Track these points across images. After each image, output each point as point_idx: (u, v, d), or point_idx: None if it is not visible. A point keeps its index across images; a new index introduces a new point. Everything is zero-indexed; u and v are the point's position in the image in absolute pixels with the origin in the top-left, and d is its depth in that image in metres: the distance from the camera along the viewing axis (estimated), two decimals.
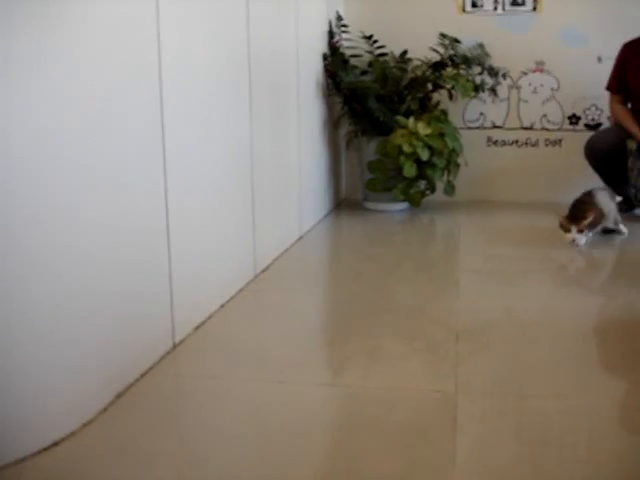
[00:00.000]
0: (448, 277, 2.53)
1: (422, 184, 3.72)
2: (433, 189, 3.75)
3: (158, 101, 1.67)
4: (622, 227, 3.11)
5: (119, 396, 1.48)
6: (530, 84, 4.09)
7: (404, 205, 3.84)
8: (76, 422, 1.35)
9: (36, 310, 1.26)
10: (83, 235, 1.37)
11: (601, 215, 2.95)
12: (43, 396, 1.29)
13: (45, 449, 1.27)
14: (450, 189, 3.79)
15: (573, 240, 2.82)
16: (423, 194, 3.75)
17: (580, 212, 2.87)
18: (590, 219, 2.84)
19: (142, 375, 1.59)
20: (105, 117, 1.44)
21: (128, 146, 1.54)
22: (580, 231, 2.82)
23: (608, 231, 3.08)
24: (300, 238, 3.11)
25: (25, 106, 1.21)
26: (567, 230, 2.84)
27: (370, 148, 3.73)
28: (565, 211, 2.87)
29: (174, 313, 1.76)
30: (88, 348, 1.40)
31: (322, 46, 3.67)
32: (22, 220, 1.22)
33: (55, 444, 1.29)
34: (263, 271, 2.51)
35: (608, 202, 3.01)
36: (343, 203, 4.19)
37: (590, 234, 2.87)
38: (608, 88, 3.76)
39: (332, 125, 3.87)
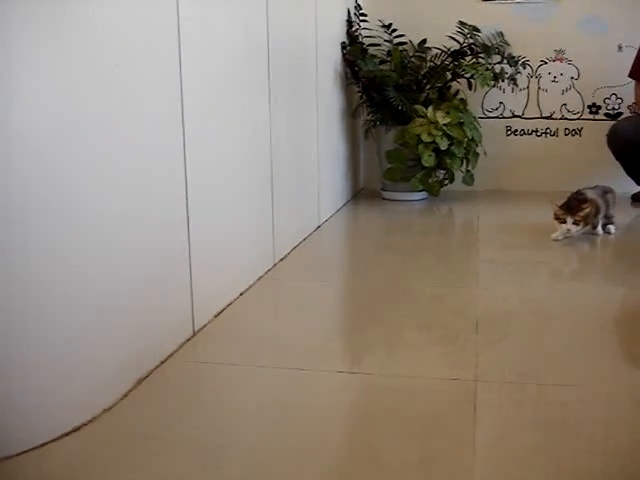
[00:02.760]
0: (467, 267, 2.52)
1: (441, 173, 3.72)
2: (452, 179, 3.74)
3: (178, 90, 1.67)
4: (611, 228, 2.96)
5: (140, 382, 1.49)
6: (550, 73, 4.06)
7: (422, 195, 3.83)
8: (97, 407, 1.36)
9: (55, 297, 1.27)
10: (105, 223, 1.38)
11: (597, 210, 2.85)
12: (65, 381, 1.30)
13: (66, 434, 1.28)
14: (469, 179, 3.78)
15: (568, 231, 2.76)
16: (442, 184, 3.74)
17: (577, 203, 2.79)
18: (587, 210, 2.77)
19: (162, 362, 1.60)
20: (125, 105, 1.45)
21: (148, 135, 1.54)
22: (576, 223, 2.76)
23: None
24: (318, 227, 3.11)
25: (44, 95, 1.22)
26: (562, 221, 2.78)
27: (388, 137, 3.73)
28: (561, 201, 2.82)
29: (194, 301, 1.77)
30: (109, 335, 1.41)
31: (341, 35, 3.66)
32: (39, 209, 1.22)
33: (76, 429, 1.30)
34: (282, 260, 2.51)
35: (600, 199, 2.89)
36: (361, 193, 4.19)
37: (581, 229, 2.79)
38: (631, 75, 3.73)
39: (350, 114, 3.87)
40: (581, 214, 2.76)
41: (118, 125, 1.42)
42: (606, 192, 2.95)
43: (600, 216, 2.89)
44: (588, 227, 2.85)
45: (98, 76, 1.35)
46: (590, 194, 2.85)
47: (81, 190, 1.31)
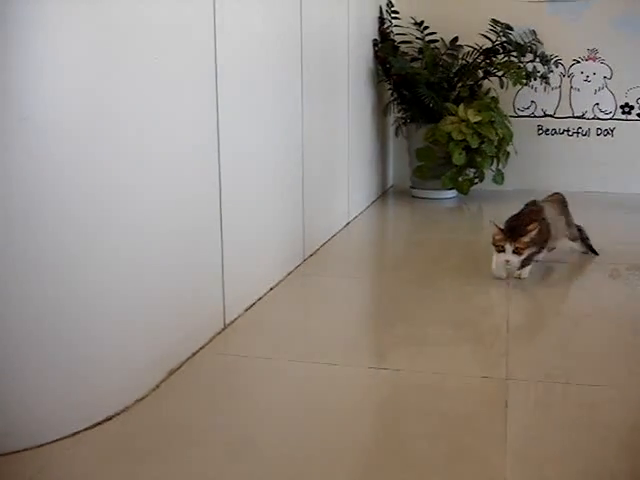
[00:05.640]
0: None
1: (471, 172, 3.69)
2: (482, 177, 3.72)
3: (213, 84, 1.68)
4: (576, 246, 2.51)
5: (171, 373, 1.51)
6: (582, 72, 4.02)
7: (452, 193, 3.82)
8: (129, 398, 1.38)
9: (89, 289, 1.28)
10: (138, 218, 1.39)
11: (547, 234, 2.25)
12: (98, 372, 1.31)
13: (99, 423, 1.30)
14: (499, 178, 3.76)
15: (507, 261, 2.15)
16: (472, 182, 3.72)
17: (522, 225, 2.17)
18: (533, 234, 2.14)
19: (194, 354, 1.61)
20: (161, 95, 1.46)
21: (183, 129, 1.55)
22: (518, 252, 2.13)
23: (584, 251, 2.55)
24: (348, 224, 3.11)
25: (80, 84, 1.24)
26: (500, 249, 2.15)
27: (419, 135, 3.71)
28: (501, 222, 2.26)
29: (225, 295, 1.78)
30: (142, 327, 1.43)
31: (372, 32, 3.66)
32: (76, 198, 1.24)
33: (109, 419, 1.32)
34: (311, 255, 2.52)
35: (556, 217, 2.36)
36: (391, 190, 4.18)
37: (531, 260, 2.21)
38: None
39: (381, 112, 3.86)
40: (525, 239, 2.14)
41: (155, 119, 1.43)
42: (564, 203, 2.49)
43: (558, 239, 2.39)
44: (540, 255, 2.28)
45: (137, 71, 1.36)
46: (546, 211, 2.30)
47: (114, 183, 1.32)
